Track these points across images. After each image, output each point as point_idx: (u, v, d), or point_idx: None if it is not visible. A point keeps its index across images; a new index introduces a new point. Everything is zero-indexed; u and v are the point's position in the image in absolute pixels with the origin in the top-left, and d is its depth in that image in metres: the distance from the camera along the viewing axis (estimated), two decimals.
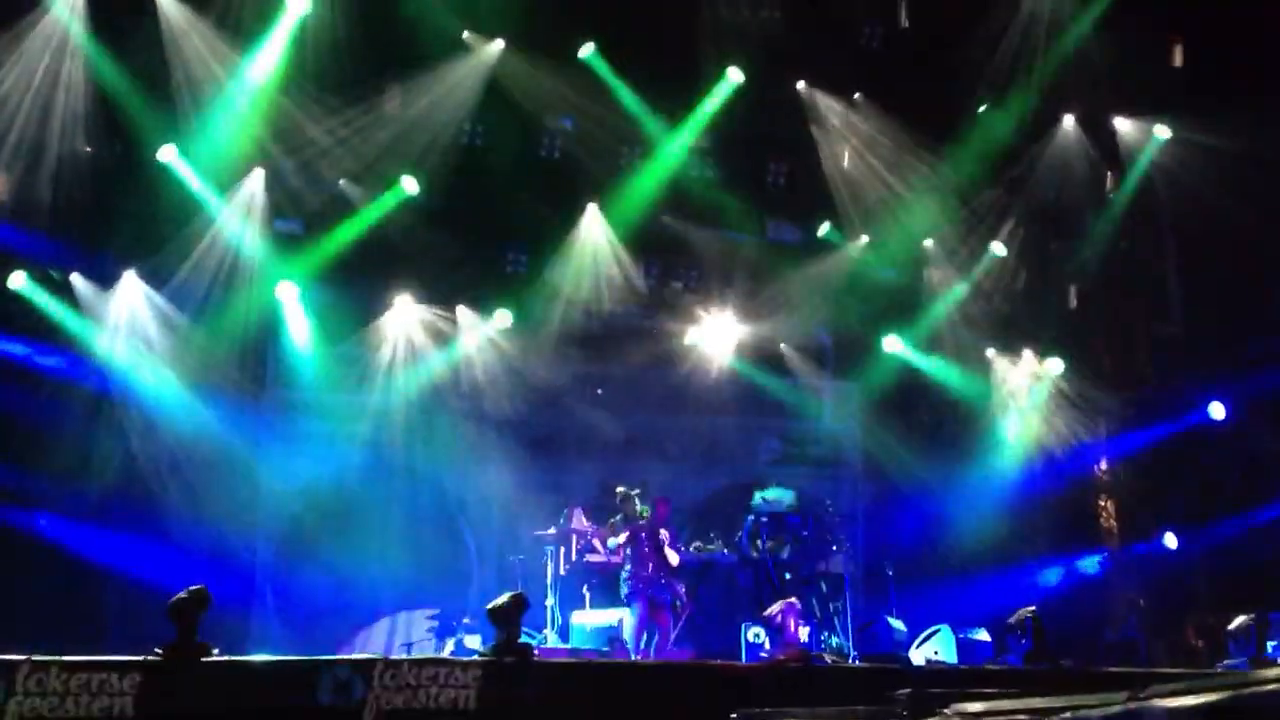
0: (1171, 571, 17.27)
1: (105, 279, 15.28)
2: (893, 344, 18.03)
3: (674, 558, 13.55)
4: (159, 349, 15.41)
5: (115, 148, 14.96)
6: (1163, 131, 16.82)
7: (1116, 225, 17.71)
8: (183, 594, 8.75)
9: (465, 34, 16.10)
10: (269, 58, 15.15)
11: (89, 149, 14.86)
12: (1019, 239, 17.79)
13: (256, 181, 15.68)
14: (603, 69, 16.48)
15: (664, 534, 13.53)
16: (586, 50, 16.37)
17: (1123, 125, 17.19)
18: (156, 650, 8.44)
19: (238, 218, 15.61)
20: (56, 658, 7.92)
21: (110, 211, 14.95)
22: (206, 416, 15.54)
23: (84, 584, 14.38)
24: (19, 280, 14.66)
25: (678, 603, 13.47)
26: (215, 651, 8.62)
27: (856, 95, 17.35)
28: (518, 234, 17.17)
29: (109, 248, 15.19)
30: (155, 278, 15.44)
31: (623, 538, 13.42)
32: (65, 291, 15.08)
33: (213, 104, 15.02)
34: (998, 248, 17.79)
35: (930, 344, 18.08)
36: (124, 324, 15.31)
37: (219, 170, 15.40)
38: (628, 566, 13.38)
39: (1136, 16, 16.23)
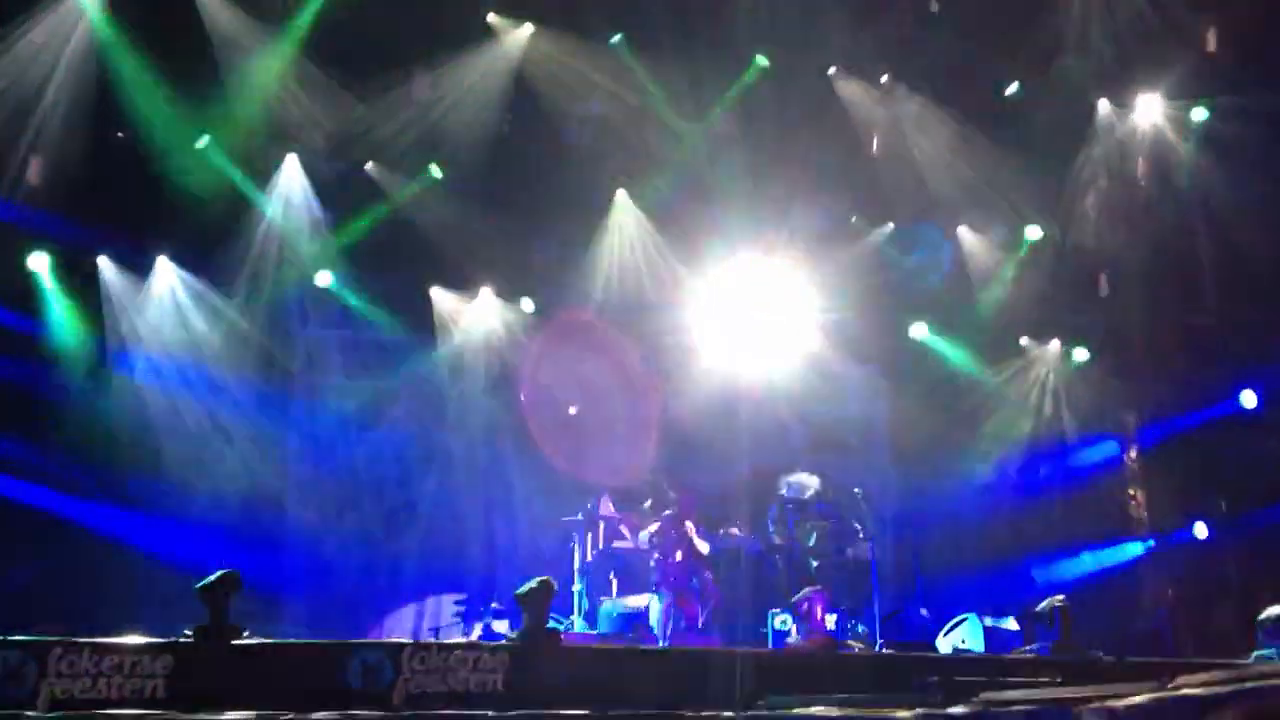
0: (1201, 561, 17.15)
1: (135, 264, 15.39)
2: (919, 330, 18.00)
3: (703, 546, 13.60)
4: (190, 332, 15.51)
5: (147, 134, 15.00)
6: (1198, 117, 16.65)
7: (1149, 212, 17.55)
8: (214, 577, 8.83)
9: (491, 18, 16.12)
10: (298, 44, 15.19)
11: (120, 134, 14.95)
12: (1050, 225, 17.66)
13: (291, 167, 15.78)
14: (630, 55, 16.48)
15: (689, 525, 13.59)
16: (614, 38, 16.36)
17: (1157, 110, 17.02)
18: (187, 632, 8.52)
19: (270, 203, 15.72)
20: (88, 639, 8.01)
21: (141, 197, 14.99)
22: (238, 400, 15.66)
23: (116, 566, 14.50)
24: (43, 262, 14.72)
25: (705, 590, 13.50)
26: (246, 634, 8.69)
27: (884, 78, 17.26)
28: (545, 220, 17.20)
29: (140, 233, 15.25)
30: (186, 262, 15.56)
31: (654, 528, 13.49)
32: (93, 275, 15.18)
33: (244, 90, 15.08)
34: (1030, 234, 17.67)
35: (961, 331, 18.02)
36: (155, 307, 15.44)
37: (250, 157, 15.49)
38: (656, 554, 13.45)
39: (1172, 1, 16.13)
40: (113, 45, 14.41)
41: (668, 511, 13.66)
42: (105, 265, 15.26)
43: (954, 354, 18.04)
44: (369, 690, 8.21)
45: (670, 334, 17.60)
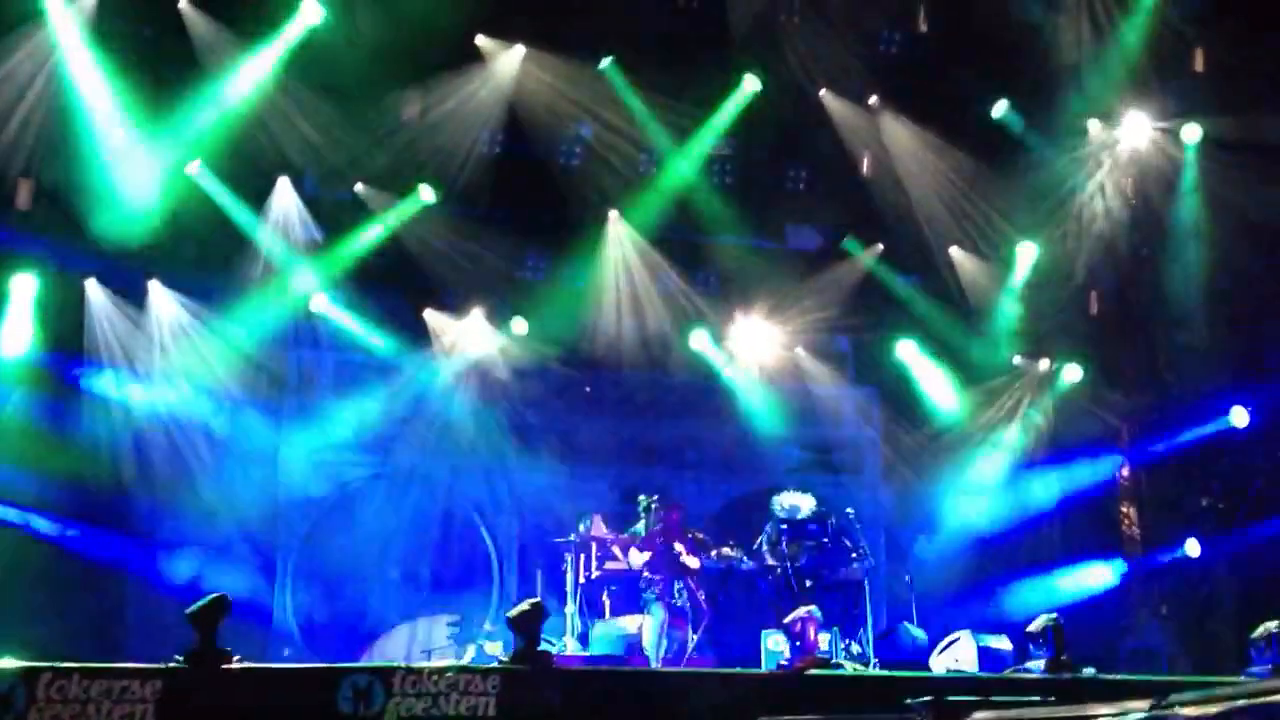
0: (1194, 579, 17.16)
1: (124, 287, 15.36)
2: (907, 350, 18.00)
3: (693, 562, 13.60)
4: (182, 355, 15.48)
5: (139, 157, 14.97)
6: (1188, 136, 16.70)
7: (1140, 230, 17.61)
8: (203, 601, 8.79)
9: (480, 40, 16.16)
10: (288, 67, 15.22)
11: (111, 158, 14.93)
12: (1041, 244, 17.68)
13: (283, 190, 15.80)
14: (620, 78, 16.52)
15: (679, 546, 13.59)
16: (604, 62, 16.40)
17: (1147, 130, 17.08)
18: (177, 657, 8.48)
19: (262, 226, 15.73)
20: (78, 665, 7.97)
21: (132, 220, 14.97)
22: (229, 421, 15.63)
23: (104, 591, 14.45)
24: (30, 284, 14.68)
25: (697, 610, 13.48)
26: (235, 659, 8.66)
27: (873, 99, 17.31)
28: (536, 241, 17.23)
29: (130, 257, 15.20)
30: (178, 285, 15.55)
31: (646, 555, 13.49)
32: (82, 297, 15.16)
33: (234, 114, 15.09)
34: (1022, 253, 17.68)
35: (950, 351, 18.03)
36: (145, 330, 15.42)
37: (241, 180, 15.50)
38: (646, 574, 13.44)
39: (1159, 22, 16.22)
40: (99, 67, 14.39)
41: (657, 528, 13.66)
42: (92, 288, 15.22)
43: (938, 376, 18.04)
44: (360, 714, 8.18)
45: (666, 353, 17.63)
